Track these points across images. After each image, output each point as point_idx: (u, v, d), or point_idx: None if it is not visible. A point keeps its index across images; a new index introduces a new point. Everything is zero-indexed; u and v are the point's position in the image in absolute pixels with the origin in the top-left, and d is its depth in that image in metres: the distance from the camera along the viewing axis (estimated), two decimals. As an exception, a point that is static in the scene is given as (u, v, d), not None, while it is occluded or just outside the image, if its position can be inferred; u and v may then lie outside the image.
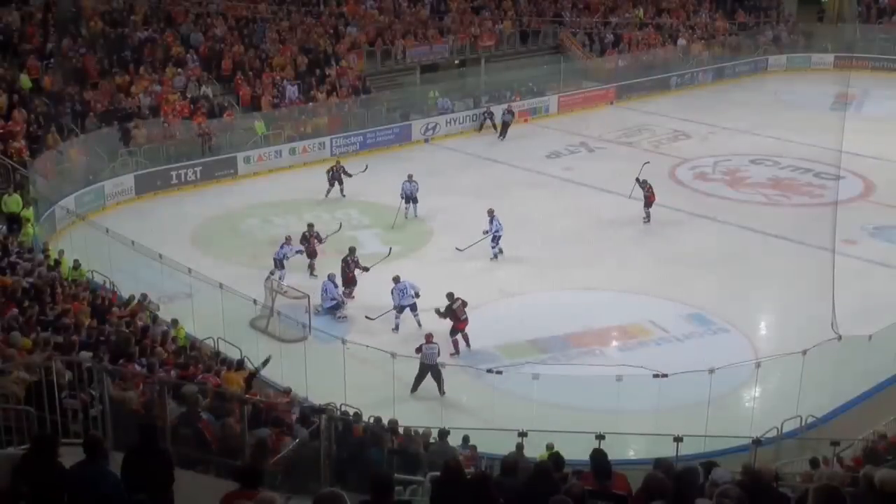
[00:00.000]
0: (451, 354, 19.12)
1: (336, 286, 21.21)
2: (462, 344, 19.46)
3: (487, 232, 23.77)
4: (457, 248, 23.82)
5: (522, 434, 12.77)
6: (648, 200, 26.25)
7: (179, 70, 32.86)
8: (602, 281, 22.72)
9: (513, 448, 12.18)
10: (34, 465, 6.76)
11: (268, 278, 21.19)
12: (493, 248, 23.88)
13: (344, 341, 17.56)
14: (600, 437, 11.55)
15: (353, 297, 21.56)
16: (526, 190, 29.45)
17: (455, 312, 19.39)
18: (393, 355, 16.64)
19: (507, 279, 22.70)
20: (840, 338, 17.63)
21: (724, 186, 30.20)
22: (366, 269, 21.75)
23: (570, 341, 20.02)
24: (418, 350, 17.75)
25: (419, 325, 20.03)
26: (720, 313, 21.04)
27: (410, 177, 26.99)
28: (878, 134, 33.94)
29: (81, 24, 32.65)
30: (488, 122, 36.48)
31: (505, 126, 35.84)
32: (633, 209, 27.17)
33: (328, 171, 28.54)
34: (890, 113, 37.92)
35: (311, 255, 23.09)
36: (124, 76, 31.58)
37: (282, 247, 22.57)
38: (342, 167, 28.60)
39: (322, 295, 21.11)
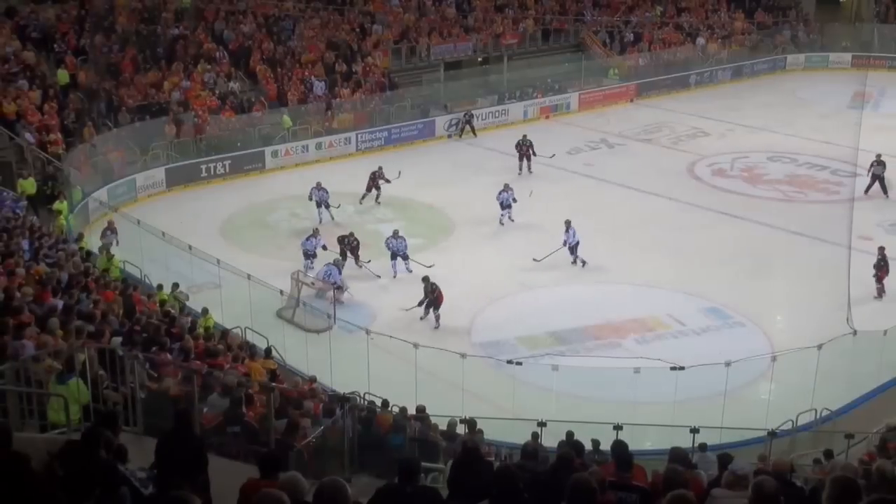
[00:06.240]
0: (435, 328, 19.98)
1: (340, 272, 21.14)
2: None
3: (566, 243, 23.11)
4: (534, 259, 22.97)
5: (542, 424, 12.79)
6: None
7: (209, 66, 33.00)
8: (621, 275, 22.66)
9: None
10: (76, 454, 6.59)
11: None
12: (573, 258, 23.23)
13: (368, 332, 17.63)
14: (618, 427, 11.57)
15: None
16: (546, 185, 29.33)
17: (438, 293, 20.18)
18: (416, 346, 16.67)
19: (528, 272, 22.66)
20: (855, 333, 17.55)
21: (742, 183, 30.05)
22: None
23: (590, 334, 20.02)
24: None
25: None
26: (737, 308, 20.95)
27: (396, 233, 23.04)
28: (894, 132, 33.55)
29: (114, 21, 32.80)
30: (468, 127, 35.22)
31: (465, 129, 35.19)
32: (651, 205, 27.05)
33: (370, 177, 27.41)
34: (907, 111, 37.54)
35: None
36: (156, 72, 31.76)
37: (308, 239, 22.69)
38: (382, 173, 27.35)
39: (323, 278, 21.10)
